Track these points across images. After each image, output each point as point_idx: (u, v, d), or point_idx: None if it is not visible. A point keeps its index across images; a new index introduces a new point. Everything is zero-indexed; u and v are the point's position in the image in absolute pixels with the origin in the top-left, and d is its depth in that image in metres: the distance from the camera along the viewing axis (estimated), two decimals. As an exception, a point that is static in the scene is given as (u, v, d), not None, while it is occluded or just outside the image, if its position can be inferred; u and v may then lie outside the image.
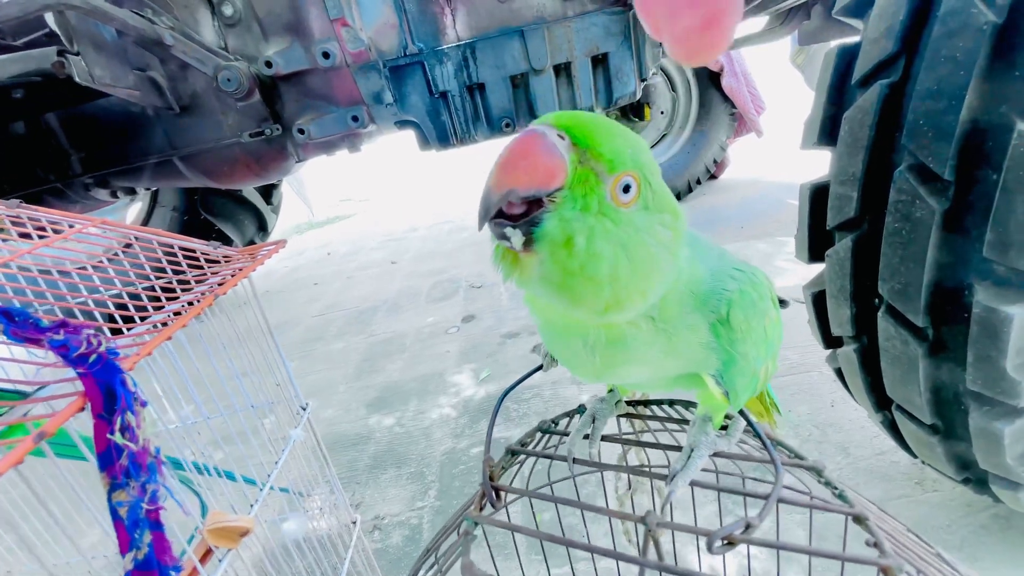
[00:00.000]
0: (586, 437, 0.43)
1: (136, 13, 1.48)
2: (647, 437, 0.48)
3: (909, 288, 0.77)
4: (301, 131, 1.76)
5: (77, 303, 0.62)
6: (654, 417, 0.45)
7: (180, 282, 0.70)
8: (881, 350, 0.86)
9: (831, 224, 0.88)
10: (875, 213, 0.81)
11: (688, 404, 0.47)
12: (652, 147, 4.17)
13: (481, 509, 0.37)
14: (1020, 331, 0.68)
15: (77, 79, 1.42)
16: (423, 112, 1.81)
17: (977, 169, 0.68)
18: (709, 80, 3.91)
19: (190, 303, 0.60)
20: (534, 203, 0.31)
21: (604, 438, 0.43)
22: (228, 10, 1.63)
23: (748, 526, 0.30)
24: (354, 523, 1.00)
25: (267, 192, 3.64)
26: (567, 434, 0.45)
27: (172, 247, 0.73)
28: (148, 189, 2.36)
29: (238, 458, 0.78)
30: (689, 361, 0.37)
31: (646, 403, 0.47)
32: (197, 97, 1.74)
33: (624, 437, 0.43)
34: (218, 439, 0.67)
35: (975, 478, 0.95)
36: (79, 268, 0.71)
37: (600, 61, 1.79)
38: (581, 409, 0.46)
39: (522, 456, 0.46)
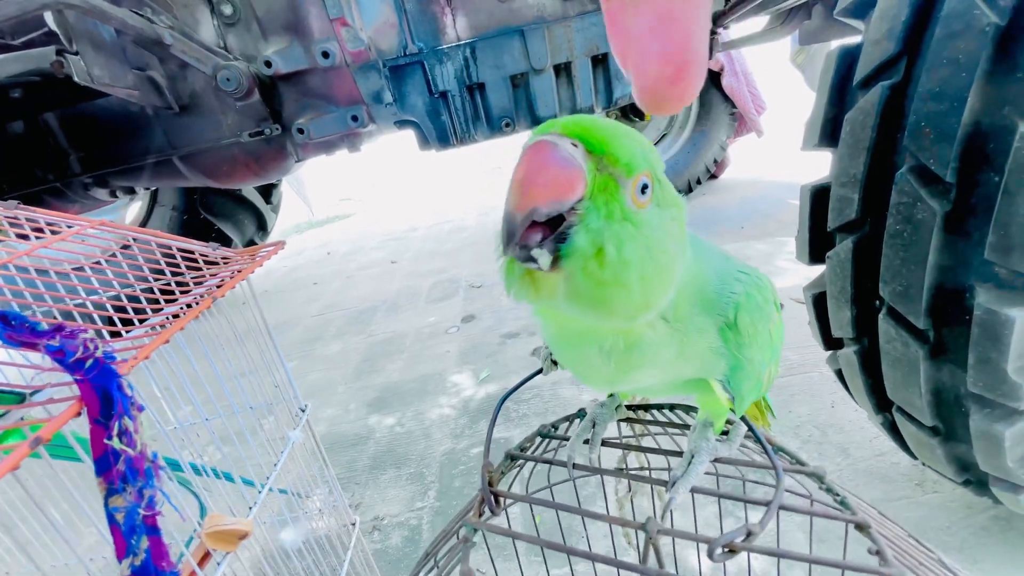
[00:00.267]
0: (586, 442, 0.43)
1: (135, 12, 1.47)
2: (647, 441, 0.47)
3: (910, 290, 0.76)
4: (301, 131, 1.76)
5: (75, 305, 0.62)
6: (654, 422, 0.45)
7: (178, 284, 0.70)
8: (882, 352, 0.86)
9: (832, 226, 0.88)
10: (876, 215, 0.80)
11: (689, 409, 0.46)
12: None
13: (480, 515, 0.36)
14: (1021, 334, 0.68)
15: (76, 78, 1.41)
16: (423, 112, 1.80)
17: (979, 171, 0.67)
18: (710, 80, 3.90)
19: (188, 305, 0.60)
20: (554, 219, 0.30)
21: (604, 442, 0.43)
22: (227, 9, 1.62)
23: (749, 533, 0.30)
24: (353, 524, 1.00)
25: (267, 191, 3.64)
26: (567, 439, 0.45)
27: (170, 248, 0.73)
28: (147, 189, 2.35)
29: (237, 460, 0.78)
30: (699, 365, 0.36)
31: (646, 407, 0.47)
32: (196, 96, 1.74)
33: (624, 441, 0.43)
34: (216, 441, 0.67)
35: (975, 480, 0.95)
36: (77, 270, 0.70)
37: (600, 61, 1.79)
38: (581, 413, 0.46)
39: (522, 462, 0.46)
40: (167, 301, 0.64)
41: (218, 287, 0.64)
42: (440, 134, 1.85)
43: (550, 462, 0.40)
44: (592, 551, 0.31)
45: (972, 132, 0.67)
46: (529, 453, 0.42)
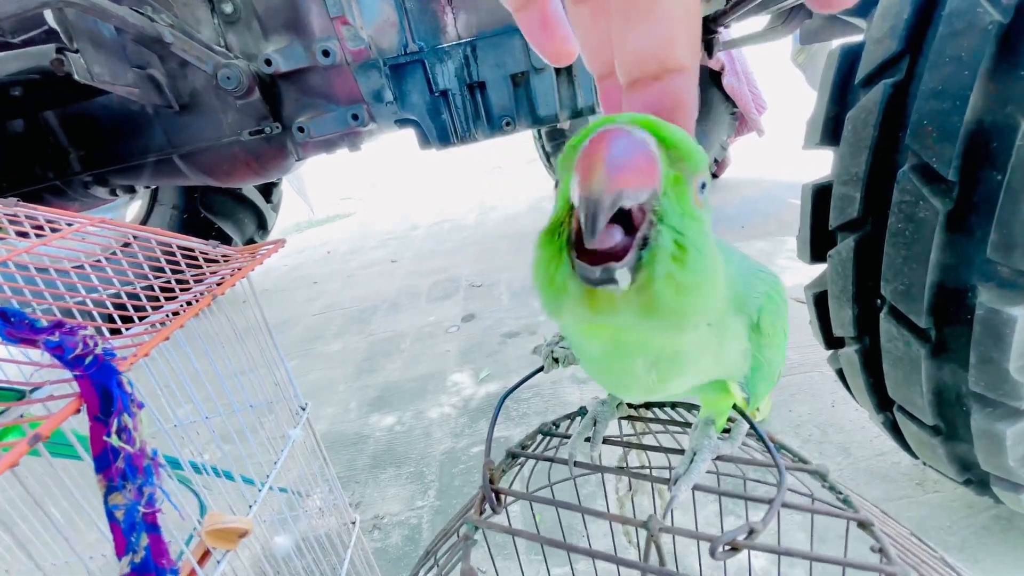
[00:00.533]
0: (587, 440, 0.43)
1: (135, 10, 1.47)
2: (648, 439, 0.47)
3: (912, 289, 0.76)
4: (301, 129, 1.76)
5: (75, 303, 0.62)
6: (655, 420, 0.45)
7: (179, 282, 0.70)
8: (883, 351, 0.86)
9: (833, 224, 0.88)
10: (878, 214, 0.80)
11: (690, 407, 0.46)
12: (653, 146, 4.15)
13: (481, 513, 0.36)
14: (1023, 333, 0.68)
15: (76, 77, 1.41)
16: (423, 111, 1.80)
17: (981, 170, 0.67)
18: (710, 79, 3.90)
19: (188, 303, 0.60)
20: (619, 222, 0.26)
21: (605, 440, 0.43)
22: (228, 8, 1.62)
23: (751, 531, 0.30)
24: (353, 523, 1.00)
25: (267, 190, 3.64)
26: (568, 436, 0.44)
27: (171, 246, 0.73)
28: (147, 187, 2.35)
29: (237, 458, 0.78)
30: (729, 368, 0.35)
31: (648, 406, 0.47)
32: (197, 95, 1.74)
33: (626, 439, 0.43)
34: (216, 439, 0.67)
35: (976, 479, 0.95)
36: (77, 267, 0.70)
37: (601, 60, 1.78)
38: (582, 411, 0.46)
39: (521, 462, 0.46)
40: (167, 299, 0.63)
41: (218, 284, 0.64)
42: (440, 133, 1.85)
43: (551, 459, 0.40)
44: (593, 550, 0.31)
45: (974, 130, 0.67)
46: (530, 451, 0.42)
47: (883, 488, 1.30)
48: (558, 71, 1.78)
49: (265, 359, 0.86)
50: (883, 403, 0.98)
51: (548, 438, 0.45)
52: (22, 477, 0.43)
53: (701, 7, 0.27)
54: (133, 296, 0.65)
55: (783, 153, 4.71)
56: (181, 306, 0.59)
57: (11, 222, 0.72)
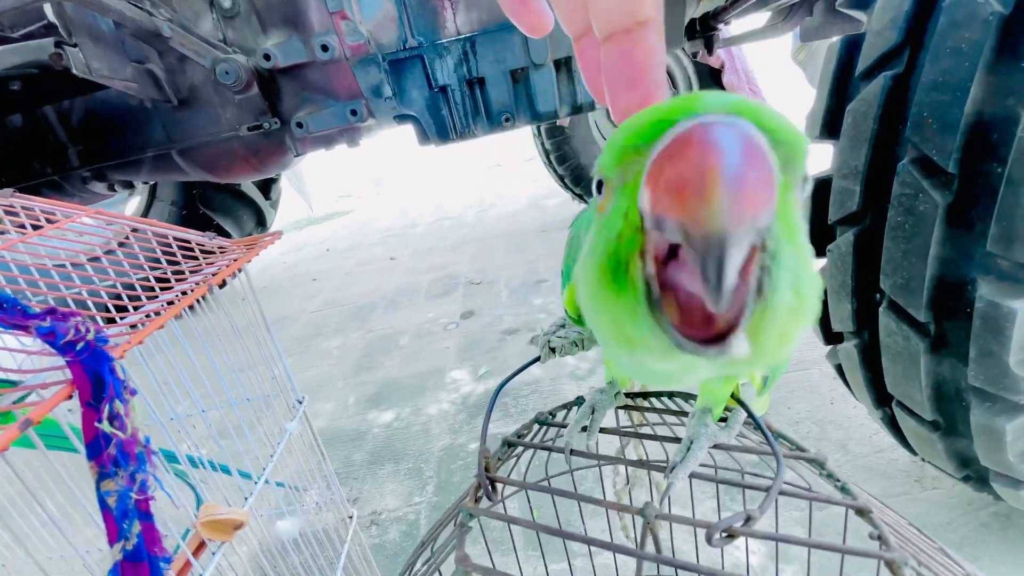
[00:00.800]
0: (584, 429, 0.42)
1: (134, 5, 1.46)
2: (645, 430, 0.47)
3: (911, 283, 0.76)
4: (300, 125, 1.75)
5: (71, 293, 0.62)
6: (652, 409, 0.44)
7: (175, 272, 0.70)
8: (882, 346, 0.86)
9: (833, 218, 0.87)
10: (877, 207, 0.80)
11: (687, 396, 0.46)
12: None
13: (477, 501, 0.36)
14: (1023, 326, 0.68)
15: (75, 71, 1.41)
16: (422, 106, 1.80)
17: (982, 162, 0.67)
18: (710, 76, 3.89)
19: (183, 293, 0.60)
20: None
21: (602, 431, 0.43)
22: (226, 2, 1.62)
23: (748, 519, 0.29)
24: (350, 518, 1.00)
25: (266, 187, 3.63)
26: (565, 426, 0.44)
27: (167, 238, 0.73)
28: (146, 183, 2.35)
29: (234, 453, 0.78)
30: None
31: (645, 395, 0.47)
32: (195, 90, 1.73)
33: (623, 429, 0.43)
34: (213, 433, 0.66)
35: (975, 475, 0.95)
36: (73, 259, 0.70)
37: (601, 56, 1.78)
38: (579, 401, 0.45)
39: (519, 450, 0.46)
40: (163, 289, 0.63)
41: (214, 275, 0.64)
42: (439, 129, 1.84)
43: (547, 448, 0.39)
44: (590, 550, 0.31)
45: (975, 122, 0.66)
46: (527, 440, 0.42)
47: (881, 485, 1.30)
48: (557, 67, 1.78)
49: (263, 353, 0.85)
50: (882, 398, 0.98)
51: (545, 428, 0.45)
52: (19, 471, 0.43)
53: None
54: (128, 287, 0.65)
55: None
56: (177, 296, 0.58)
57: (8, 213, 0.71)
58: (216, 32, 1.66)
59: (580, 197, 4.11)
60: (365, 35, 1.65)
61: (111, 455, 0.35)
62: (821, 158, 0.94)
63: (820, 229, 0.95)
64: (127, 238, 0.69)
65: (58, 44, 1.40)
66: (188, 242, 0.74)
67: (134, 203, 3.42)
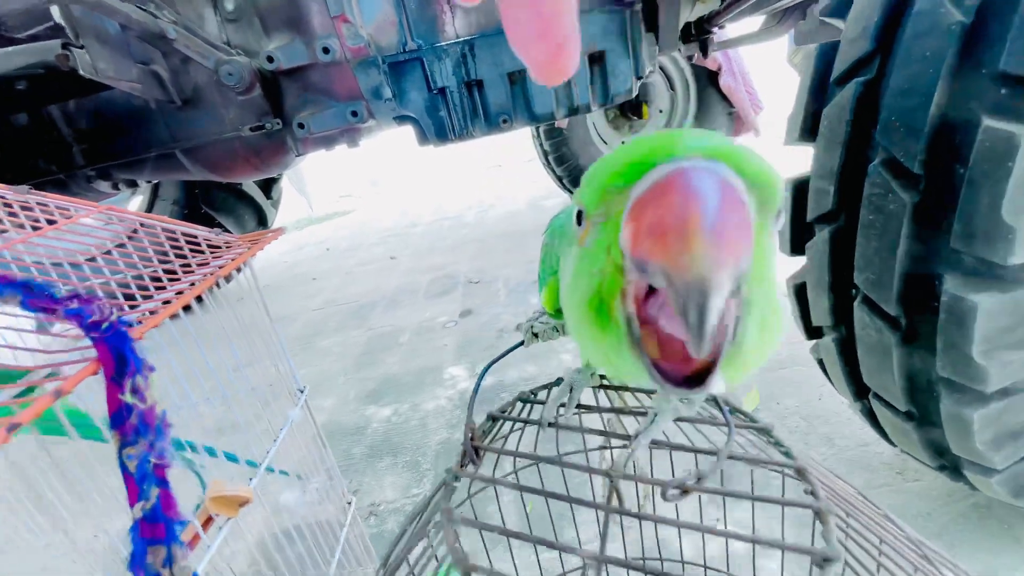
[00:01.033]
0: (562, 406, 0.46)
1: (140, 7, 1.50)
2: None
3: (883, 278, 0.80)
4: (301, 125, 1.79)
5: (84, 285, 0.66)
6: (625, 388, 0.48)
7: (183, 266, 0.73)
8: (858, 339, 0.90)
9: (811, 217, 0.91)
10: (851, 206, 0.84)
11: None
12: (650, 145, 4.18)
13: (463, 468, 0.40)
14: (985, 318, 0.72)
15: (81, 72, 1.44)
16: (421, 108, 1.84)
17: (946, 163, 0.71)
18: (707, 79, 3.93)
19: (192, 284, 0.64)
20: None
21: (580, 407, 0.46)
22: (230, 5, 1.66)
23: (699, 478, 0.33)
24: (349, 503, 1.04)
25: (267, 187, 3.67)
26: (544, 403, 0.48)
27: (175, 233, 0.77)
28: (149, 182, 2.38)
29: (239, 441, 0.81)
30: None
31: (620, 376, 0.51)
32: (199, 91, 1.77)
33: (600, 407, 0.47)
34: (221, 422, 0.70)
35: (950, 465, 0.98)
36: (86, 254, 0.74)
37: (597, 59, 1.82)
38: (558, 381, 0.49)
39: (507, 432, 0.50)
40: (172, 281, 0.67)
41: (221, 268, 0.68)
42: (438, 130, 1.88)
43: (527, 421, 0.43)
44: (579, 537, 0.34)
45: (939, 126, 0.70)
46: (509, 415, 0.46)
47: (865, 477, 1.34)
48: (553, 70, 1.81)
49: (266, 343, 0.89)
50: (860, 391, 1.02)
51: (528, 407, 0.49)
52: (25, 465, 0.46)
53: None
54: (138, 278, 0.69)
55: (779, 153, 4.73)
56: (187, 287, 0.62)
57: (23, 208, 0.75)
58: (220, 34, 1.70)
59: (578, 198, 4.14)
60: (365, 38, 1.69)
61: (132, 424, 0.39)
62: (802, 159, 0.98)
63: (801, 228, 0.99)
64: (135, 232, 0.73)
65: (65, 45, 1.44)
66: (195, 237, 0.78)
67: (136, 202, 3.46)
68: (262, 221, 3.62)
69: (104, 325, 0.39)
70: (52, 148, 1.91)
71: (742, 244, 0.19)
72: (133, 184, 2.17)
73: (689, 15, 2.34)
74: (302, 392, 0.91)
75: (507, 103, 1.86)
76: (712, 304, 0.18)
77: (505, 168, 7.29)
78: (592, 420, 0.49)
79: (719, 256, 0.18)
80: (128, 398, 0.38)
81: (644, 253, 0.20)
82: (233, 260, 0.71)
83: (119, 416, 0.39)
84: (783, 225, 1.04)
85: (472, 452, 0.39)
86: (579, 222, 0.26)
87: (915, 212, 0.74)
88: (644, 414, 0.42)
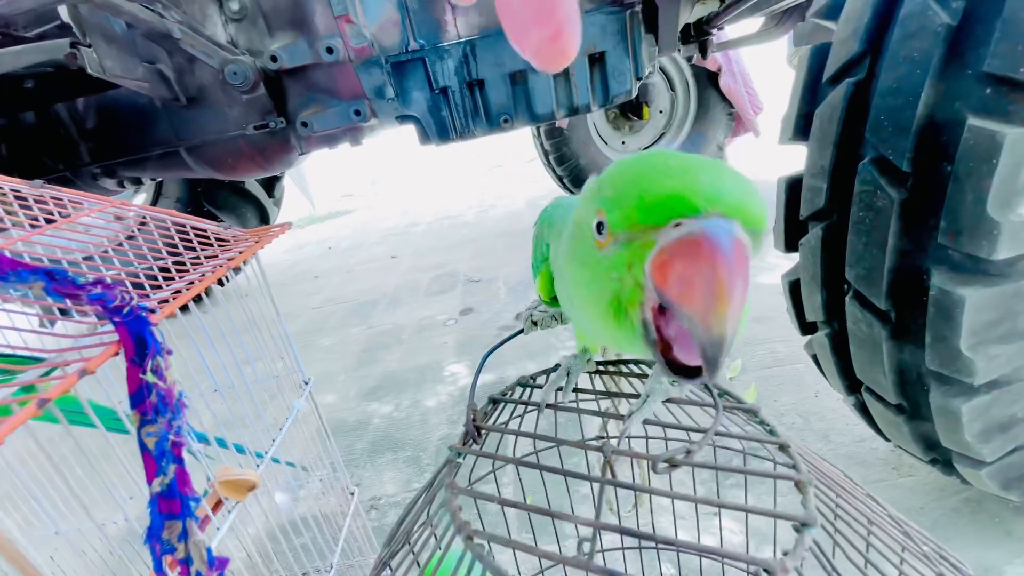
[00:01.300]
0: (560, 390, 0.48)
1: (146, 7, 1.53)
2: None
3: (873, 273, 0.82)
4: (304, 124, 1.81)
5: (98, 275, 0.68)
6: (619, 373, 0.50)
7: (192, 259, 0.76)
8: (849, 334, 0.92)
9: (804, 214, 0.94)
10: (842, 204, 0.86)
11: (649, 363, 0.52)
12: (650, 146, 4.22)
13: (464, 446, 0.42)
14: (972, 312, 0.74)
15: (89, 70, 1.46)
16: (424, 107, 1.86)
17: (933, 161, 0.73)
18: (707, 80, 3.96)
19: (203, 275, 0.66)
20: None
21: (577, 390, 0.49)
22: (235, 5, 1.68)
23: (688, 452, 0.35)
24: (352, 494, 1.06)
25: (269, 185, 3.70)
26: (543, 387, 0.50)
27: (186, 227, 0.79)
28: (153, 179, 2.41)
29: (246, 434, 0.83)
30: None
31: (615, 362, 0.53)
32: (204, 90, 1.79)
33: (596, 391, 0.49)
34: (227, 414, 0.72)
35: (941, 458, 1.00)
36: (99, 246, 0.76)
37: (597, 60, 1.84)
38: (556, 366, 0.51)
39: (506, 421, 0.52)
40: (181, 272, 0.69)
41: (230, 260, 0.70)
42: (440, 129, 1.90)
43: (526, 403, 0.45)
44: (576, 516, 0.36)
45: (926, 125, 0.72)
46: (509, 398, 0.48)
47: (860, 472, 1.36)
48: (554, 70, 1.84)
49: (272, 336, 0.91)
50: (852, 385, 1.04)
51: (527, 391, 0.51)
52: (44, 446, 0.49)
53: None
54: (149, 271, 0.71)
55: (779, 153, 4.76)
56: (198, 278, 0.65)
57: (37, 202, 0.78)
58: (224, 34, 1.72)
59: (578, 197, 4.15)
60: (369, 38, 1.71)
61: (152, 403, 0.41)
62: (796, 157, 1.00)
63: (795, 225, 1.01)
64: (144, 223, 0.76)
65: (73, 44, 1.46)
66: (204, 231, 0.80)
67: (139, 200, 3.49)
68: (264, 219, 3.65)
69: (125, 310, 0.41)
70: (59, 146, 1.94)
71: (746, 291, 0.24)
72: (138, 182, 2.20)
73: (689, 16, 2.37)
74: (307, 384, 0.93)
75: (508, 103, 1.89)
76: (727, 347, 0.23)
77: (505, 168, 7.32)
78: (588, 405, 0.51)
79: (735, 312, 0.23)
80: (149, 377, 0.40)
81: (673, 297, 0.25)
82: (241, 253, 0.74)
83: (139, 395, 0.41)
84: (777, 223, 1.07)
85: (474, 432, 0.41)
86: (599, 230, 0.30)
87: (903, 209, 0.76)
88: (637, 396, 0.44)
